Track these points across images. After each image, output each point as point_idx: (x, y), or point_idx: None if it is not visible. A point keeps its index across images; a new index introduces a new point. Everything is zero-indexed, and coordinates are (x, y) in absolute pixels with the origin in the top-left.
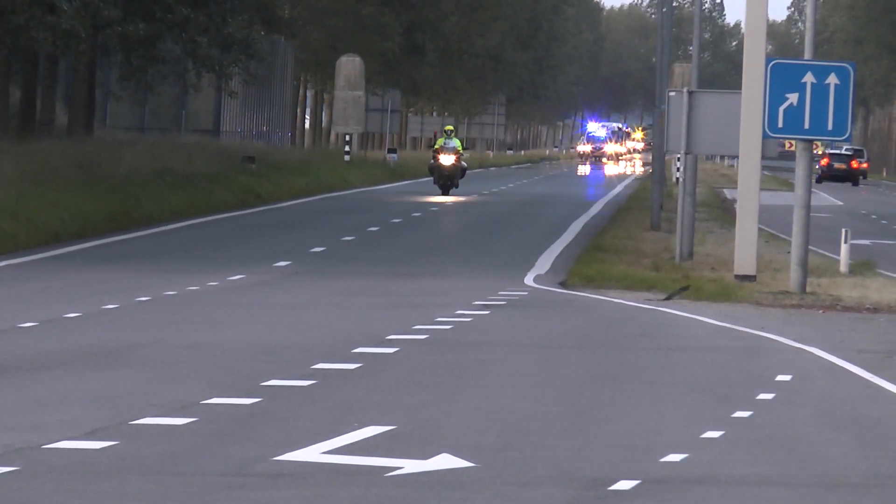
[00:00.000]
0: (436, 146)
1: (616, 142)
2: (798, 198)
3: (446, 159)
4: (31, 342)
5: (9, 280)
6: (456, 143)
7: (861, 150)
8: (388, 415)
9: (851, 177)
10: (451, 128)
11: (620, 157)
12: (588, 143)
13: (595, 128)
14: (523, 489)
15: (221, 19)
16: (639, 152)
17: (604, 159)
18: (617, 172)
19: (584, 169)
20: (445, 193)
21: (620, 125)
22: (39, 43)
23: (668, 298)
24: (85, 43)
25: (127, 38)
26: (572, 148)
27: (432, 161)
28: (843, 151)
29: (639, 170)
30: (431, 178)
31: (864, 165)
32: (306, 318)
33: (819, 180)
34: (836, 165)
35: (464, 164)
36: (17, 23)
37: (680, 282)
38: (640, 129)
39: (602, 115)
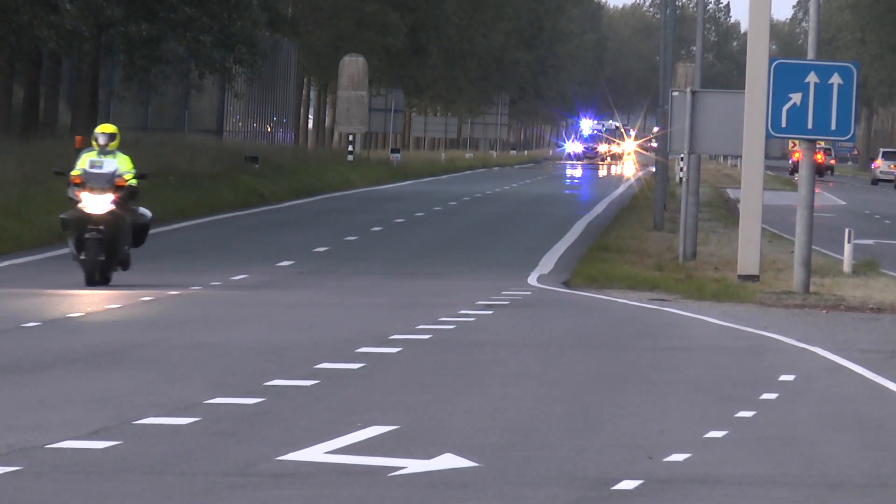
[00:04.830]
0: (74, 171)
1: (610, 142)
2: (801, 197)
3: (94, 202)
4: (33, 342)
5: (11, 280)
6: (121, 162)
7: (829, 149)
8: (391, 415)
9: (818, 171)
10: (110, 129)
11: (616, 158)
12: (579, 142)
13: (587, 126)
14: (526, 489)
15: (227, 17)
16: (637, 152)
17: (597, 158)
18: (604, 174)
19: (572, 171)
20: (91, 282)
21: (619, 124)
22: (43, 42)
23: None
24: (88, 42)
25: (130, 38)
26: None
27: (65, 213)
28: None
29: (629, 172)
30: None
31: (832, 162)
32: (309, 317)
33: (791, 172)
34: None
35: (143, 212)
36: (21, 22)
37: (683, 282)
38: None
39: (603, 114)
